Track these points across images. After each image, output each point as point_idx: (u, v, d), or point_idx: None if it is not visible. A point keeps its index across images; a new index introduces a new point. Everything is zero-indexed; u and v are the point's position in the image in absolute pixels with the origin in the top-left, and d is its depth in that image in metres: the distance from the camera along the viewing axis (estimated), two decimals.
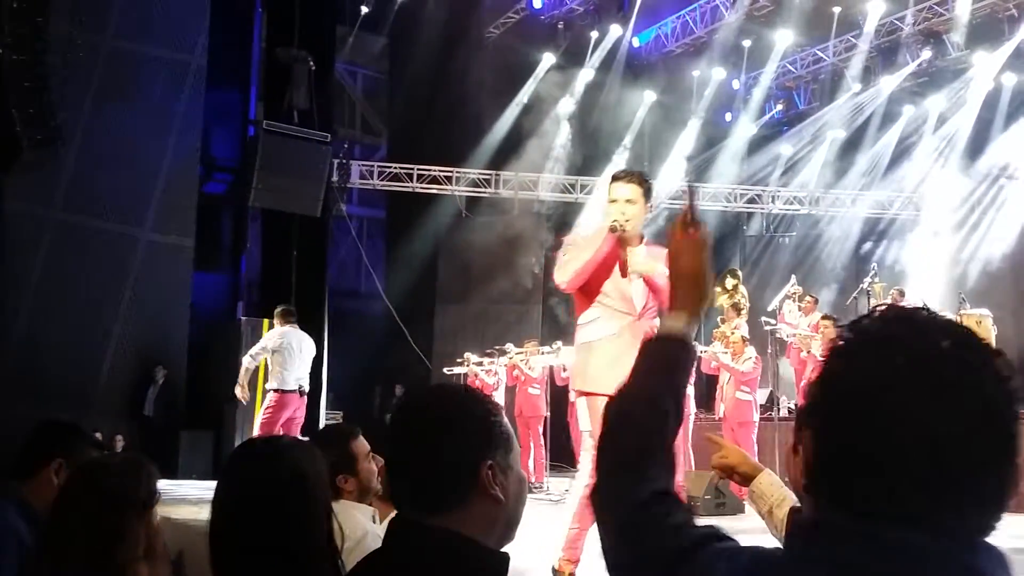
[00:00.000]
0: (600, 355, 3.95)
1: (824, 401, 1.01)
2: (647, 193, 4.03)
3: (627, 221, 3.92)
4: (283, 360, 8.18)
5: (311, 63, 12.43)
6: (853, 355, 1.00)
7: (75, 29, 11.21)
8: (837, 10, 14.51)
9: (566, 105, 15.96)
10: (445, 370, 12.20)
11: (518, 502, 1.42)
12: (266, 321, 11.89)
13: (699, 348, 9.76)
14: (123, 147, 11.77)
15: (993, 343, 8.47)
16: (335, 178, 13.92)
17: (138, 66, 11.99)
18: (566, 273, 4.01)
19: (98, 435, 9.74)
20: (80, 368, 11.34)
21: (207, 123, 12.67)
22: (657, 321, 3.82)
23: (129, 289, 11.91)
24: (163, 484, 2.03)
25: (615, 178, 4.07)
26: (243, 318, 12.33)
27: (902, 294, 10.79)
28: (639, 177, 4.05)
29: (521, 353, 10.99)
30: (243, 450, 1.75)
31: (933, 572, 0.92)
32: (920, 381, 0.93)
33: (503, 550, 1.38)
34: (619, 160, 16.19)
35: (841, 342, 1.02)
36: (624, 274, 4.01)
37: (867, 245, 15.86)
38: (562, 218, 16.07)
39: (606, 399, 1.30)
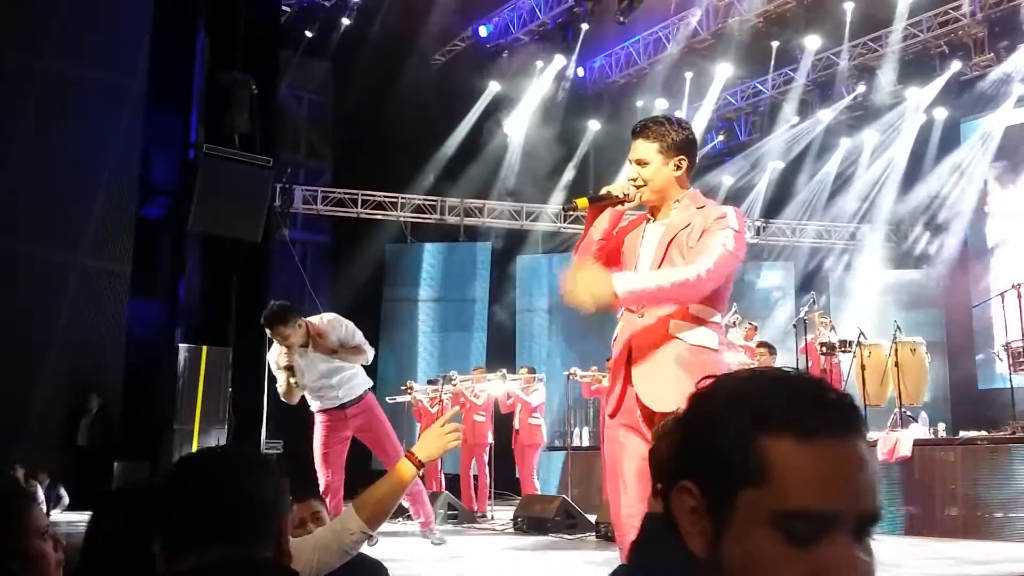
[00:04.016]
0: None
1: None
2: (669, 148, 2.90)
3: (641, 186, 2.93)
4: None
5: (253, 87, 12.31)
6: None
7: (9, 51, 10.96)
8: (775, 44, 14.89)
9: (511, 132, 16.04)
10: (388, 399, 12.07)
11: None
12: (205, 348, 11.62)
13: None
14: (59, 171, 11.49)
15: (927, 370, 8.55)
16: (277, 203, 13.76)
17: (75, 88, 11.74)
18: None
19: (19, 469, 9.39)
20: (11, 397, 10.96)
21: (146, 146, 12.41)
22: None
23: (63, 315, 11.59)
24: None
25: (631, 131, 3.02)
26: (181, 345, 12.06)
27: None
28: (652, 128, 2.92)
29: (467, 380, 10.91)
30: (115, 491, 1.68)
31: None
32: None
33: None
34: (564, 187, 16.31)
35: None
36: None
37: (806, 274, 16.13)
38: (507, 244, 16.10)
39: None
